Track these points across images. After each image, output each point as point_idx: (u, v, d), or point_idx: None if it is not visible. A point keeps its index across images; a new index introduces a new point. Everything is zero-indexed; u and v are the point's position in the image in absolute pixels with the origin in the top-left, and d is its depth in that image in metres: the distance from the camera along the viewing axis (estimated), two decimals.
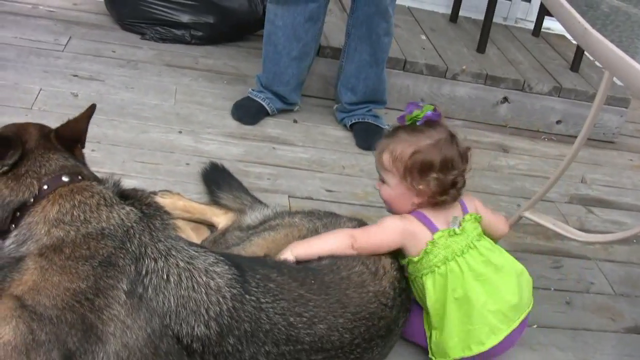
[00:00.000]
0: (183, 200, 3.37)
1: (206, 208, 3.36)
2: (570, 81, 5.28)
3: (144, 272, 2.21)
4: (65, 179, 2.32)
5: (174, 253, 2.30)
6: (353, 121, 4.53)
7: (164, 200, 3.28)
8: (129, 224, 2.27)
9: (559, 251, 3.85)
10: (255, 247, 2.83)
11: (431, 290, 2.74)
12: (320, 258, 2.68)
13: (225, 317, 2.26)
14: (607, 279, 3.71)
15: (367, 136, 4.44)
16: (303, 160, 4.15)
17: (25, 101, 4.01)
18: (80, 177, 2.35)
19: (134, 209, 2.33)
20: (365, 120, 4.51)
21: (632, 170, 5.02)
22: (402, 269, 2.79)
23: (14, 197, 2.28)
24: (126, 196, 2.38)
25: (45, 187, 2.28)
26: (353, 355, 2.49)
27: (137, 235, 2.26)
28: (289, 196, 3.76)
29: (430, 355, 2.86)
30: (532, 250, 3.81)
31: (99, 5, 5.35)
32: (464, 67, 5.03)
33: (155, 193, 3.32)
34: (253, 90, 4.51)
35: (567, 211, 4.27)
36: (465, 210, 2.83)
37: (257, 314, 2.30)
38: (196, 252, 2.37)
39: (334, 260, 2.66)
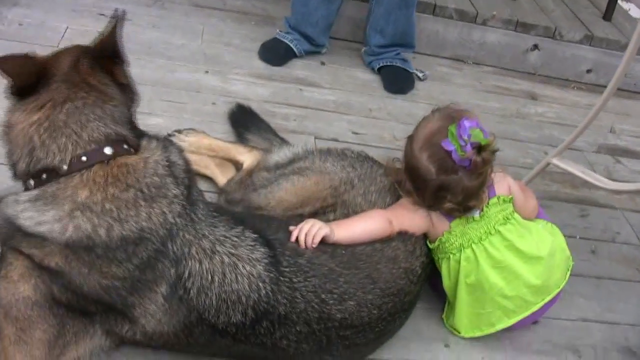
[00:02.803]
0: (208, 138, 3.33)
1: (231, 146, 3.31)
2: (602, 30, 5.20)
3: (186, 275, 2.13)
4: (107, 151, 2.09)
5: (218, 248, 2.20)
6: (381, 64, 4.49)
7: (188, 139, 3.26)
8: (172, 221, 2.12)
9: (586, 200, 3.83)
10: (283, 192, 2.75)
11: (446, 274, 2.73)
12: None
13: (263, 303, 2.23)
14: (634, 229, 3.69)
15: (394, 80, 4.42)
16: (330, 102, 4.12)
17: (52, 39, 3.99)
18: (125, 146, 2.14)
19: (175, 199, 2.15)
20: (394, 63, 4.48)
21: None
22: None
23: (44, 156, 2.06)
24: (172, 163, 2.20)
25: (84, 158, 2.06)
26: (378, 328, 2.48)
27: (181, 234, 2.13)
28: (315, 137, 3.74)
29: (444, 319, 2.89)
30: (558, 198, 3.78)
31: None
32: (494, 12, 4.96)
33: (180, 131, 3.31)
34: (281, 31, 4.47)
35: (594, 160, 4.24)
36: (491, 193, 2.68)
37: (292, 294, 2.28)
38: (237, 236, 2.26)
39: None
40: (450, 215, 2.64)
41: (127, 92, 2.29)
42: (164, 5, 4.71)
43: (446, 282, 2.75)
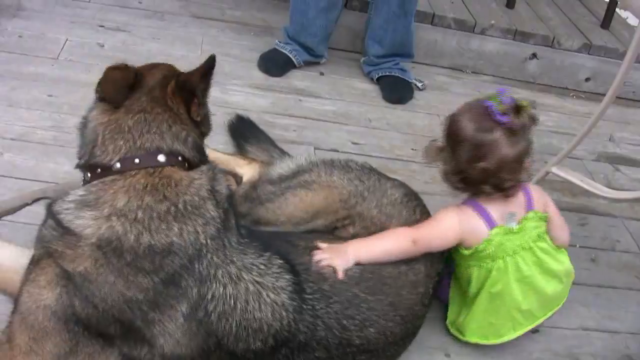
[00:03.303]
0: (207, 149, 3.31)
1: (230, 158, 3.31)
2: (600, 38, 5.21)
3: (209, 297, 2.12)
4: (161, 158, 2.15)
5: (244, 276, 2.19)
6: (380, 74, 4.50)
7: None
8: (203, 242, 2.13)
9: (585, 208, 3.83)
10: (292, 208, 2.73)
11: (474, 281, 2.73)
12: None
13: (284, 331, 2.22)
14: (633, 238, 3.69)
15: (394, 89, 4.44)
16: (329, 113, 4.13)
17: (52, 51, 4.01)
18: (180, 159, 2.20)
19: (212, 222, 2.17)
20: (392, 73, 4.49)
21: None
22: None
23: (100, 153, 2.14)
24: (215, 191, 2.24)
25: (137, 160, 2.13)
26: (390, 352, 2.51)
27: (209, 256, 2.13)
28: (314, 148, 3.75)
29: (447, 323, 2.89)
30: (558, 207, 3.69)
31: None
32: (492, 22, 4.98)
33: None
34: (280, 42, 4.48)
35: (594, 169, 4.24)
36: (529, 207, 2.71)
37: (314, 322, 2.28)
38: (264, 264, 2.25)
39: None
40: (488, 200, 2.65)
41: (200, 125, 2.35)
42: (164, 16, 4.73)
43: (472, 289, 2.75)
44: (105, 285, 2.04)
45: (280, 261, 2.30)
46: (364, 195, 2.72)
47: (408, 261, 2.57)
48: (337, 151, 3.77)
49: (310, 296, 2.30)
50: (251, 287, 2.18)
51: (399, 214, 2.70)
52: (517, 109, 2.54)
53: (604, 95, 3.32)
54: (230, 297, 2.14)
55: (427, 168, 3.70)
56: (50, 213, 2.16)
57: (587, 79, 5.18)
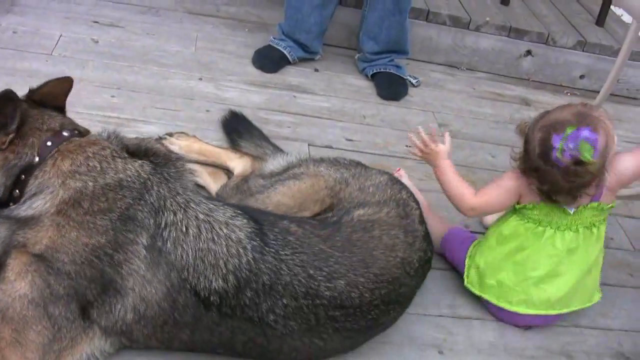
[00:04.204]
0: (198, 143, 3.36)
1: (221, 152, 3.34)
2: (595, 35, 5.22)
3: (163, 224, 2.20)
4: (65, 133, 2.29)
5: (192, 206, 2.28)
6: (375, 71, 4.50)
7: (179, 142, 3.28)
8: (145, 176, 2.25)
9: None
10: (280, 196, 2.79)
11: (510, 230, 2.86)
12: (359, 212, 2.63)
13: (244, 270, 2.24)
14: (627, 235, 3.69)
15: (388, 86, 4.43)
16: (324, 109, 4.13)
17: (46, 47, 4.00)
18: (77, 132, 2.33)
19: (145, 162, 2.30)
20: (387, 70, 4.48)
21: None
22: (430, 241, 2.77)
23: (19, 160, 2.23)
24: (132, 152, 2.34)
25: (49, 143, 2.25)
26: (370, 315, 2.47)
27: (155, 188, 2.24)
28: (309, 144, 3.75)
29: (465, 281, 2.99)
30: None
31: None
32: (487, 18, 4.98)
33: (171, 134, 3.34)
34: (274, 38, 4.48)
35: None
36: (595, 198, 2.76)
37: (277, 265, 2.28)
38: (215, 205, 2.35)
39: (371, 218, 2.61)
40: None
41: None
42: (158, 12, 4.72)
43: (503, 236, 2.88)
44: (71, 245, 2.12)
45: (238, 210, 2.39)
46: (348, 181, 2.77)
47: (382, 226, 2.58)
48: (332, 147, 3.77)
49: (273, 241, 2.33)
50: (201, 216, 2.28)
51: (383, 193, 2.72)
52: (577, 162, 2.56)
53: (598, 92, 3.33)
54: (181, 222, 2.24)
55: (422, 165, 3.68)
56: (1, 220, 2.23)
57: (582, 76, 5.18)
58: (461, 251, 3.03)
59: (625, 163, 2.79)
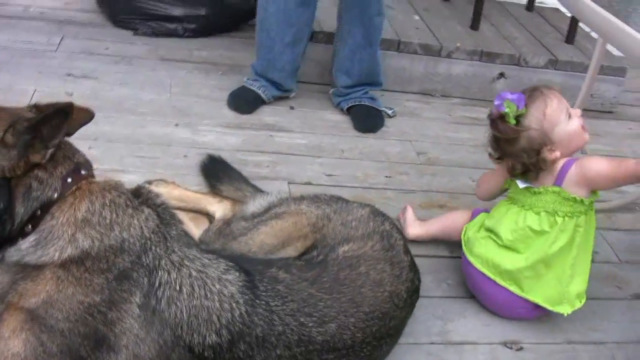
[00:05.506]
0: (178, 189, 3.37)
1: (201, 197, 3.35)
2: (565, 53, 5.27)
3: (157, 284, 2.19)
4: (83, 172, 2.21)
5: (186, 263, 2.26)
6: (350, 104, 4.52)
7: (158, 189, 3.27)
8: (147, 235, 2.22)
9: None
10: (263, 236, 2.79)
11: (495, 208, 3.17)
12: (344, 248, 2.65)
13: (237, 323, 2.24)
14: (612, 248, 3.71)
15: (364, 119, 4.45)
16: (301, 146, 4.14)
17: (20, 103, 3.95)
18: (91, 170, 2.27)
19: (152, 213, 2.28)
20: (362, 102, 4.50)
21: (632, 139, 5.01)
22: (417, 270, 2.80)
23: (41, 192, 2.12)
24: (137, 195, 2.32)
25: (69, 179, 2.15)
26: (363, 353, 2.48)
27: (153, 248, 2.22)
28: (288, 182, 3.75)
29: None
30: None
31: (90, 4, 5.34)
32: (458, 44, 5.02)
33: (150, 182, 3.33)
34: (248, 79, 4.49)
35: None
36: (558, 182, 2.93)
37: (269, 316, 2.29)
38: (208, 259, 2.33)
39: (356, 254, 2.62)
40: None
41: None
42: (131, 61, 4.74)
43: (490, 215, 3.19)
44: (67, 302, 2.09)
45: (230, 263, 2.37)
46: (330, 216, 2.78)
47: (368, 261, 2.60)
48: (312, 184, 3.77)
49: (264, 293, 2.33)
50: (194, 273, 2.25)
51: (365, 227, 2.74)
52: (502, 116, 2.90)
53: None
54: (175, 282, 2.21)
55: (402, 194, 3.72)
56: (8, 266, 2.16)
57: None
58: None
59: (598, 164, 2.91)
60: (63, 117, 2.08)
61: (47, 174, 2.12)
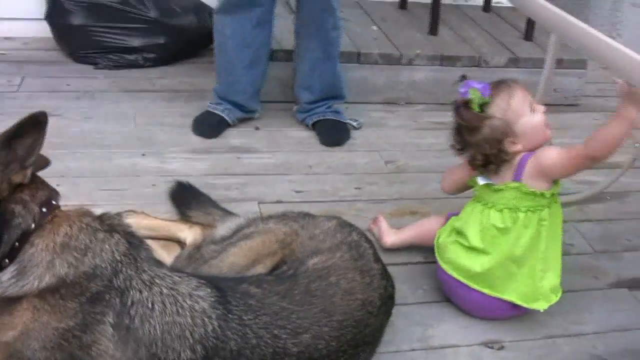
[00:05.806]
0: (147, 218, 3.35)
1: (170, 224, 3.35)
2: (525, 51, 5.31)
3: (129, 303, 2.19)
4: (54, 202, 2.22)
5: (157, 281, 2.27)
6: (314, 120, 4.53)
7: (128, 220, 3.27)
8: (118, 258, 2.23)
9: None
10: (232, 257, 2.79)
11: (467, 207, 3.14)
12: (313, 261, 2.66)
13: (211, 338, 2.25)
14: (585, 239, 3.72)
15: (330, 133, 4.46)
16: (269, 165, 4.14)
17: None
18: (59, 202, 2.27)
19: (121, 238, 2.30)
20: (326, 117, 4.52)
21: None
22: (389, 277, 2.81)
23: (22, 220, 2.11)
24: (104, 221, 2.33)
25: (44, 209, 2.16)
26: None
27: (124, 270, 2.23)
28: (258, 202, 3.74)
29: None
30: None
31: (49, 42, 5.33)
32: (417, 51, 5.04)
33: (119, 214, 3.31)
34: (211, 103, 4.50)
35: None
36: (516, 177, 2.93)
37: (242, 330, 2.29)
38: (179, 277, 2.34)
39: (325, 265, 2.62)
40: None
41: None
42: (94, 95, 4.73)
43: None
44: (42, 330, 2.10)
45: (202, 280, 2.39)
46: (298, 232, 2.79)
47: (338, 271, 2.61)
48: (282, 202, 3.76)
49: (236, 308, 2.34)
50: (165, 291, 2.26)
51: (332, 238, 2.76)
52: (465, 103, 2.91)
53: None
54: (147, 300, 2.22)
55: (373, 204, 3.72)
56: None
57: None
58: None
59: (550, 153, 2.91)
60: (40, 128, 2.05)
61: (29, 197, 2.14)
